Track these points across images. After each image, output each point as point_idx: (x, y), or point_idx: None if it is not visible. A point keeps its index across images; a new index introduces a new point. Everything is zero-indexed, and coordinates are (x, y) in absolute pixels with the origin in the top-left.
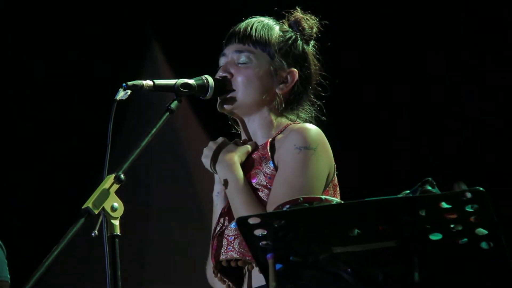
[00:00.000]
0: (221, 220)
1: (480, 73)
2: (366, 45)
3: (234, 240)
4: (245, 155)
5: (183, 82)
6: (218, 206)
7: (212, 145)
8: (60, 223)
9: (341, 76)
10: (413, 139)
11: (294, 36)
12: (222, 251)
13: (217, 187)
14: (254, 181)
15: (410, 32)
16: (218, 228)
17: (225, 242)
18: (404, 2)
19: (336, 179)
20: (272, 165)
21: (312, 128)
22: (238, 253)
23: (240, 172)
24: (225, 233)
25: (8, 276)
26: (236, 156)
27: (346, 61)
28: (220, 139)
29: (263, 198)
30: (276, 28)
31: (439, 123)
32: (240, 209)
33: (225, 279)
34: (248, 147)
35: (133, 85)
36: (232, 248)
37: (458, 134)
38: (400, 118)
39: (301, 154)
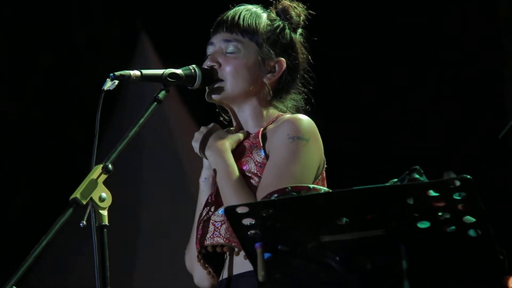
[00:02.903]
0: (208, 206)
1: (481, 71)
2: (366, 44)
3: (220, 226)
4: (236, 143)
5: (170, 72)
6: (204, 192)
7: (203, 130)
8: (46, 215)
9: (339, 74)
10: (405, 134)
11: (282, 25)
12: (208, 236)
13: (205, 173)
14: (244, 168)
15: (411, 32)
16: (204, 213)
17: (211, 227)
18: (403, 2)
19: (324, 173)
20: (263, 153)
21: (305, 119)
22: (224, 239)
23: (230, 158)
24: (211, 218)
25: None
26: (227, 143)
27: (344, 60)
28: (211, 125)
29: (253, 186)
30: (264, 16)
31: (433, 120)
32: (230, 194)
33: (206, 265)
34: (240, 135)
35: (121, 75)
36: (218, 234)
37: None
38: (395, 115)
39: (294, 143)
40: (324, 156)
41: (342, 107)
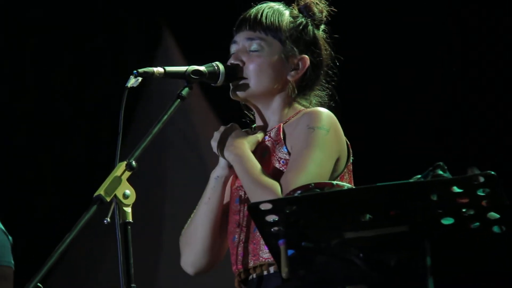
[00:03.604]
0: (243, 205)
1: (488, 71)
2: (371, 43)
3: (257, 246)
4: (255, 144)
5: (194, 69)
6: (214, 189)
7: (222, 129)
8: (71, 212)
9: (344, 73)
10: (417, 134)
11: (304, 22)
12: (249, 258)
13: (218, 171)
14: (269, 166)
15: (417, 32)
16: (240, 222)
17: (250, 248)
18: (409, 2)
19: (351, 166)
20: (285, 149)
21: (325, 111)
22: (263, 259)
23: (249, 153)
24: (249, 238)
25: (12, 262)
26: (246, 143)
27: (350, 60)
28: (230, 125)
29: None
30: (286, 13)
31: (443, 119)
32: (252, 185)
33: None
34: (258, 136)
35: (144, 72)
36: (257, 255)
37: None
38: (405, 114)
39: (313, 133)
40: (347, 148)
41: (348, 107)
